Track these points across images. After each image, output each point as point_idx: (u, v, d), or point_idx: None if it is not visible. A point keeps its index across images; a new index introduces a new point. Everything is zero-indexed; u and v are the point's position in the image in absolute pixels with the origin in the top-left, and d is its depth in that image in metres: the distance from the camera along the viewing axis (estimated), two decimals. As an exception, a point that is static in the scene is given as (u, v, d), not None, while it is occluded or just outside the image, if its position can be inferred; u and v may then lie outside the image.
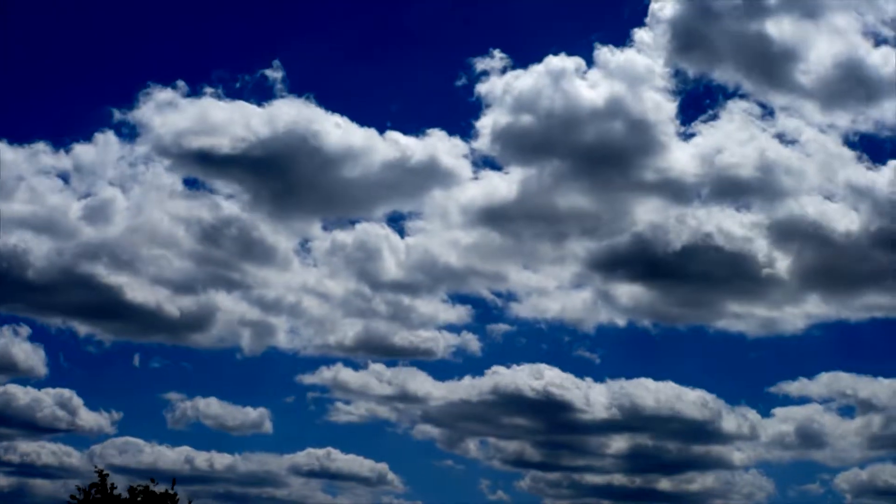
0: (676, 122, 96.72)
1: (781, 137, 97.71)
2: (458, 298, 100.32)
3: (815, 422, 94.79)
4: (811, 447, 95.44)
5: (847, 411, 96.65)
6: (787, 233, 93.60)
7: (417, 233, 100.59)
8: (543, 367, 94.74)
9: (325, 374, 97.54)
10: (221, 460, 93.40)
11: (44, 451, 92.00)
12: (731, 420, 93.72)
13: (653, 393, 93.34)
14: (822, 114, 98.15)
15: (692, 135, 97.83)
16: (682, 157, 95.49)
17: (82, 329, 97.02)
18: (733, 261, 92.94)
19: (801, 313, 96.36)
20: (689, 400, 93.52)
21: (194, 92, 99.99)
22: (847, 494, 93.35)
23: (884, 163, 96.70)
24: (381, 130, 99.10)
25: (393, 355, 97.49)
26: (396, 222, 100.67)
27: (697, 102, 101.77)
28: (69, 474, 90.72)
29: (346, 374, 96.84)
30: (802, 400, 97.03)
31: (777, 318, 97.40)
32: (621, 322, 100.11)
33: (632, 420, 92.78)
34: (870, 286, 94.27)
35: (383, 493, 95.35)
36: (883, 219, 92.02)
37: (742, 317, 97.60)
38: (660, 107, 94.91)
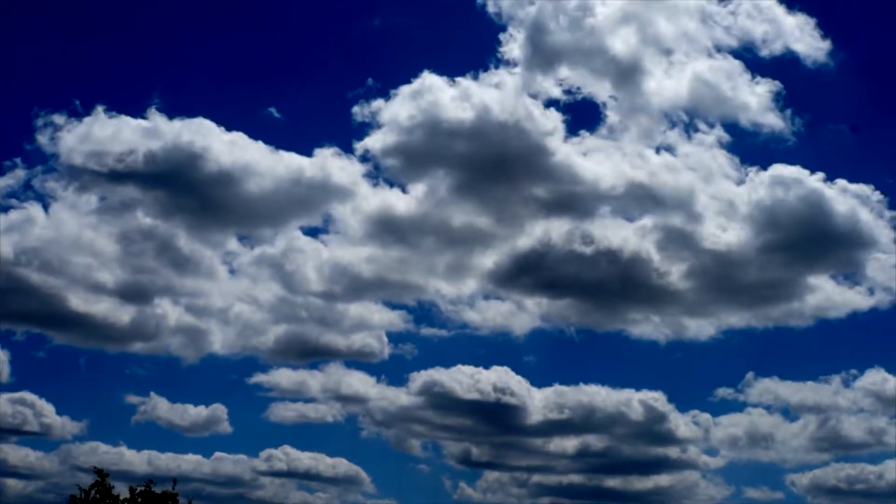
0: (565, 136, 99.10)
1: (669, 150, 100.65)
2: (388, 305, 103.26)
3: (759, 424, 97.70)
4: (761, 449, 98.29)
5: (786, 414, 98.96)
6: (680, 243, 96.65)
7: (330, 244, 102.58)
8: (481, 368, 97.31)
9: (266, 377, 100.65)
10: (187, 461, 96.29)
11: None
12: (679, 423, 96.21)
13: (591, 395, 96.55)
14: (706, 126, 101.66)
15: (583, 147, 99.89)
16: (576, 170, 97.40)
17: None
18: (633, 271, 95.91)
19: (703, 321, 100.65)
20: (636, 402, 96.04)
21: (89, 113, 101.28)
22: (807, 495, 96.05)
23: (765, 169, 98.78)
24: (278, 148, 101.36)
25: (328, 357, 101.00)
26: (308, 235, 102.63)
27: (584, 116, 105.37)
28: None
29: (287, 376, 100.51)
30: (740, 404, 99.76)
31: (685, 325, 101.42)
32: (543, 328, 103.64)
33: (578, 421, 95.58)
34: (759, 296, 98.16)
35: (352, 491, 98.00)
36: (769, 230, 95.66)
37: (641, 323, 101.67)
38: (547, 121, 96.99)
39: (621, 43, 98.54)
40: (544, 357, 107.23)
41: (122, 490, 42.21)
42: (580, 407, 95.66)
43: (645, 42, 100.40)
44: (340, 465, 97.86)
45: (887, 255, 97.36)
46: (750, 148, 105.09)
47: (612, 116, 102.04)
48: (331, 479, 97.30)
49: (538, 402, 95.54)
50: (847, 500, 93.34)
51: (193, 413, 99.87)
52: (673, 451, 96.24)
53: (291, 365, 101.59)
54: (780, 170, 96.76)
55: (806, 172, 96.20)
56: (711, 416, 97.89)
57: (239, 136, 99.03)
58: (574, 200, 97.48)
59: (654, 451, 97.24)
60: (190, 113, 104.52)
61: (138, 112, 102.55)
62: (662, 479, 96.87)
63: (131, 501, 42.23)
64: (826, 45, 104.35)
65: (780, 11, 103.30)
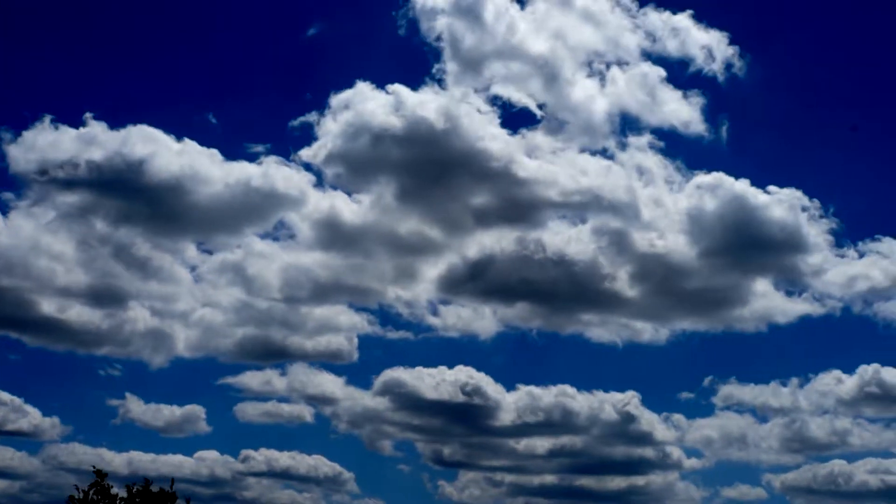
0: (505, 143, 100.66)
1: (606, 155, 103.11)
2: (354, 308, 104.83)
3: (730, 426, 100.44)
4: (735, 450, 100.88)
5: (756, 415, 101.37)
6: (624, 249, 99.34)
7: (287, 250, 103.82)
8: (447, 368, 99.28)
9: (235, 378, 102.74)
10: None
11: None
12: (654, 424, 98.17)
13: (562, 397, 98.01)
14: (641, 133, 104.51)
15: (521, 153, 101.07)
16: (518, 176, 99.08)
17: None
18: (581, 276, 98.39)
19: (656, 325, 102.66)
20: (608, 403, 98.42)
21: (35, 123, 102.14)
22: (785, 495, 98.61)
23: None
24: (227, 157, 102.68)
25: (296, 358, 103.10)
26: (265, 241, 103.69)
27: (519, 123, 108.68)
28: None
29: (256, 377, 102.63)
30: (708, 406, 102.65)
31: (638, 329, 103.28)
32: (506, 332, 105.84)
33: (552, 422, 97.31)
34: (705, 301, 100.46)
35: (337, 491, 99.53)
36: (707, 236, 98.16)
37: (597, 326, 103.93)
38: (484, 128, 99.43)
39: (549, 50, 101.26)
40: (511, 359, 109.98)
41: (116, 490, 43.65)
42: (553, 408, 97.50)
43: (572, 49, 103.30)
44: (323, 465, 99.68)
45: (824, 258, 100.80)
46: (684, 155, 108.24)
47: (547, 123, 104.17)
48: (313, 479, 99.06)
49: (509, 403, 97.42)
50: (824, 499, 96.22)
51: (168, 413, 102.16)
52: (648, 452, 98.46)
53: (259, 366, 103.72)
54: (712, 177, 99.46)
55: (737, 180, 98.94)
56: (685, 418, 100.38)
57: (187, 145, 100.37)
58: (517, 206, 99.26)
59: (628, 451, 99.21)
60: (133, 120, 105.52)
61: (79, 122, 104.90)
62: (639, 480, 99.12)
63: (129, 501, 43.37)
64: (739, 59, 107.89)
65: (693, 25, 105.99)
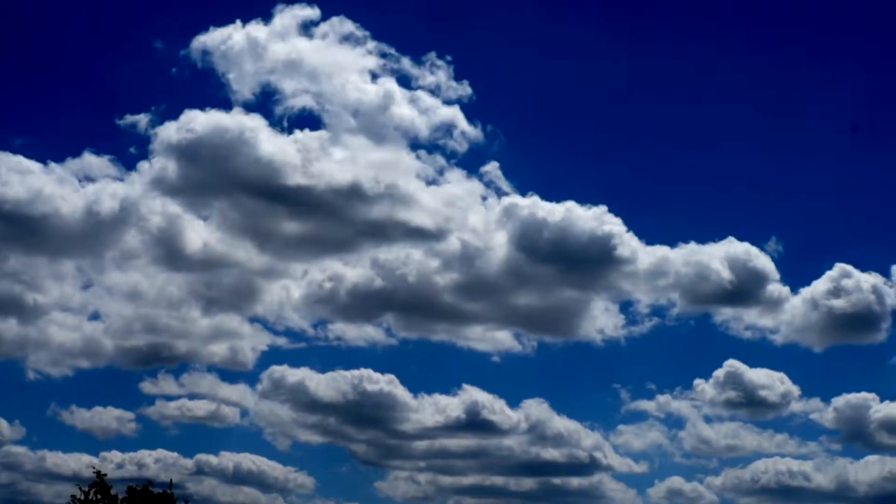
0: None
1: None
2: (249, 320, 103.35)
3: (645, 432, 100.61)
4: (655, 456, 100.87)
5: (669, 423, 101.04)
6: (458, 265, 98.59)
7: (153, 267, 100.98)
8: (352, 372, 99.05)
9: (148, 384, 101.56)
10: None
11: None
12: (570, 428, 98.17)
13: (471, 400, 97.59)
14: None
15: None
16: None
17: None
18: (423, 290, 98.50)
19: (505, 336, 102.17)
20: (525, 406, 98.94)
21: None
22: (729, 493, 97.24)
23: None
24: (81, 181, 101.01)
25: (201, 365, 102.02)
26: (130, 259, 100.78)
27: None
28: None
29: (169, 382, 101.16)
30: (617, 412, 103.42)
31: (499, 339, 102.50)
32: (391, 342, 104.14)
33: (468, 424, 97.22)
34: (545, 314, 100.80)
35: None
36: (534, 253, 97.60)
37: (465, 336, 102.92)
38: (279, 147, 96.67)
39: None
40: (412, 365, 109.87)
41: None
42: (466, 411, 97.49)
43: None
44: (277, 468, 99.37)
45: (642, 269, 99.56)
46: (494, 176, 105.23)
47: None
48: (259, 481, 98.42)
49: (414, 405, 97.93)
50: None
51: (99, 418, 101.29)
52: (572, 456, 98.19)
53: (174, 371, 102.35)
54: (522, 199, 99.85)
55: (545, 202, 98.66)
56: (599, 423, 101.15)
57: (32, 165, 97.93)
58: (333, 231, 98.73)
59: (552, 455, 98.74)
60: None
61: None
62: (573, 482, 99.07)
63: (129, 501, 43.45)
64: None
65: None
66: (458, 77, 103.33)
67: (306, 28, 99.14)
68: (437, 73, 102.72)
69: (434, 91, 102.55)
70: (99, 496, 43.47)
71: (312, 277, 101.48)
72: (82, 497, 43.36)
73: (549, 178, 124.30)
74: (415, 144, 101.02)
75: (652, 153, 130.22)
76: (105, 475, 43.30)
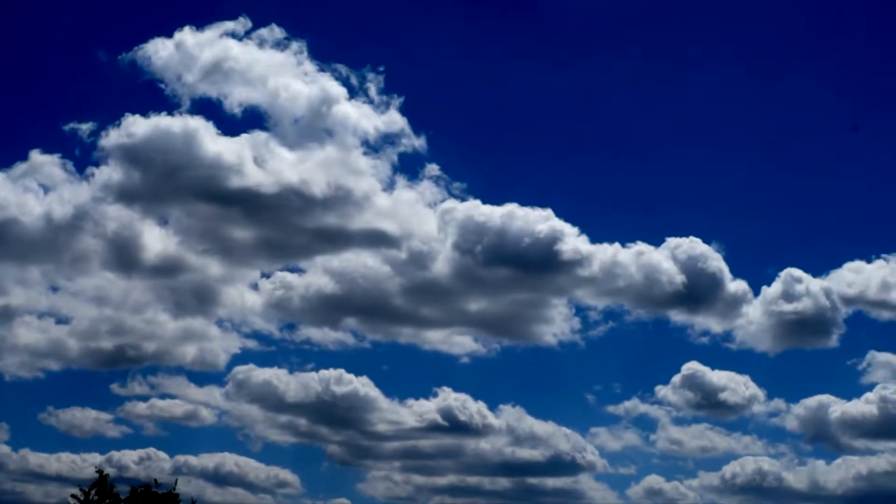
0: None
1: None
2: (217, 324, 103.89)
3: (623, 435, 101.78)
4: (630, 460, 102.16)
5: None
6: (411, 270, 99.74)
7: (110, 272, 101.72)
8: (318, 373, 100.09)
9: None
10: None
11: None
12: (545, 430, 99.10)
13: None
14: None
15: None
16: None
17: None
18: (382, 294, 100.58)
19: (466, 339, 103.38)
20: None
21: None
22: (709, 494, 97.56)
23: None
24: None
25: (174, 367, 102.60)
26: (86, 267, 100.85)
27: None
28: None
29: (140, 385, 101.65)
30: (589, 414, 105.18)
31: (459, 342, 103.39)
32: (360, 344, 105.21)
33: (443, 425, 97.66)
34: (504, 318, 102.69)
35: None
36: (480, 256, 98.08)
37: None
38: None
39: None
40: (382, 367, 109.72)
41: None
42: (440, 412, 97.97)
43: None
44: (260, 468, 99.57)
45: (593, 272, 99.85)
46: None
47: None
48: (241, 481, 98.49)
49: (388, 406, 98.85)
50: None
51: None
52: (550, 456, 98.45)
53: (144, 372, 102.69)
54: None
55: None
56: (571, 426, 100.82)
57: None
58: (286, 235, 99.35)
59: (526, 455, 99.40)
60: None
61: None
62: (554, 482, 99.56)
63: (132, 501, 42.37)
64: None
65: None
66: (391, 84, 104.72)
67: (243, 35, 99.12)
68: (374, 81, 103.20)
69: (370, 99, 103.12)
70: (99, 496, 42.32)
71: (274, 281, 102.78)
72: (83, 497, 42.18)
73: (493, 181, 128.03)
74: (363, 147, 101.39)
75: (595, 156, 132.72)
76: (108, 475, 42.15)
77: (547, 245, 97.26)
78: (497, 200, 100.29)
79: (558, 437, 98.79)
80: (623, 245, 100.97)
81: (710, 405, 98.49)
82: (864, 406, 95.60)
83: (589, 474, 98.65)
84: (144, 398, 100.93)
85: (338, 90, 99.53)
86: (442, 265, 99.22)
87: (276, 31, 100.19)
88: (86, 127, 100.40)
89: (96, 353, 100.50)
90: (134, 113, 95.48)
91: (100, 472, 42.25)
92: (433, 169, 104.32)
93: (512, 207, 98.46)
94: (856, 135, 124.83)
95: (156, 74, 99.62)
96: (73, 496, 42.09)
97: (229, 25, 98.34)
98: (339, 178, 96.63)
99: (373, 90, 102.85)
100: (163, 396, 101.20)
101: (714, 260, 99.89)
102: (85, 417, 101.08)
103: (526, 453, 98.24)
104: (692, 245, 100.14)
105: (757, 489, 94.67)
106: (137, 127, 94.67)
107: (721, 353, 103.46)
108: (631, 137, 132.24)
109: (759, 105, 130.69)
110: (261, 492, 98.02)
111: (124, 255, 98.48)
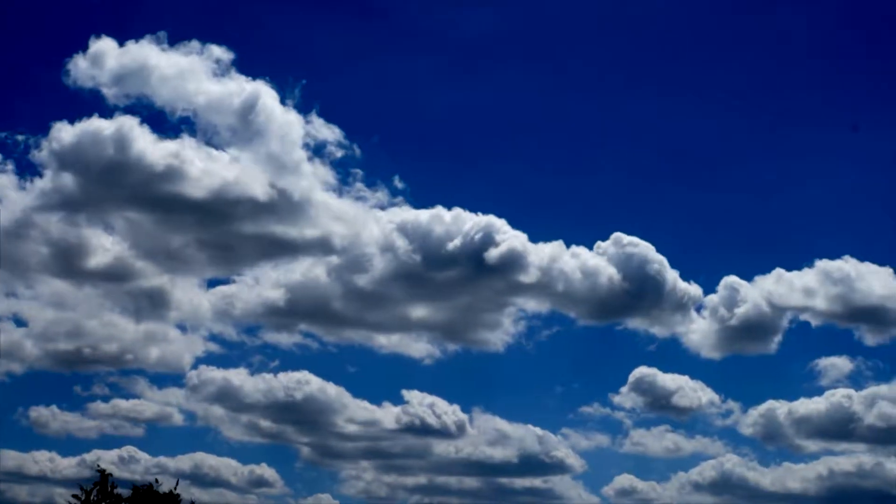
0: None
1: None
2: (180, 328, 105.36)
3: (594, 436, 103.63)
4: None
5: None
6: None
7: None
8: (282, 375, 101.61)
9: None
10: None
11: None
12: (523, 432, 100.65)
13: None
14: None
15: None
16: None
17: None
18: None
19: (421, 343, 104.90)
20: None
21: None
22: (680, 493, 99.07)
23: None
24: None
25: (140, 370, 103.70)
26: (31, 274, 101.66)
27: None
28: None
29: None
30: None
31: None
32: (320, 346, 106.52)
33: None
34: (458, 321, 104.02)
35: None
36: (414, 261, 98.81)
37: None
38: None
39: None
40: (346, 369, 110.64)
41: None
42: (408, 413, 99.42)
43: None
44: (238, 467, 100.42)
45: (537, 275, 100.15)
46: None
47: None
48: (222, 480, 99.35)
49: (355, 406, 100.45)
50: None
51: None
52: (523, 456, 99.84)
53: (113, 375, 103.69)
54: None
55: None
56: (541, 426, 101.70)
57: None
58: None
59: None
60: None
61: None
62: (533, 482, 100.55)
63: (133, 501, 42.37)
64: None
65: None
66: (319, 92, 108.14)
67: (172, 42, 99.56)
68: (298, 91, 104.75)
69: (301, 108, 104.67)
70: (100, 495, 42.25)
71: (219, 290, 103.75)
72: (83, 497, 42.06)
73: (435, 186, 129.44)
74: (310, 153, 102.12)
75: (535, 160, 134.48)
76: (110, 474, 42.05)
77: (489, 247, 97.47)
78: (437, 203, 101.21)
79: (528, 436, 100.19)
80: (566, 246, 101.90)
81: (666, 407, 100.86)
82: (812, 405, 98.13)
83: (563, 474, 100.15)
84: (107, 399, 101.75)
85: (270, 94, 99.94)
86: (386, 271, 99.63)
87: (196, 44, 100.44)
88: (21, 136, 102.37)
89: (61, 356, 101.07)
90: (71, 121, 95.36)
91: (101, 471, 42.12)
92: (374, 176, 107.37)
93: (456, 211, 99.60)
94: (785, 146, 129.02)
95: (89, 83, 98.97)
96: (75, 496, 41.99)
97: (160, 34, 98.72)
98: (277, 182, 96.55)
99: (300, 98, 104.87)
100: (128, 396, 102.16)
101: (656, 265, 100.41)
102: (58, 419, 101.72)
103: (498, 453, 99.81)
104: (634, 247, 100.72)
105: (725, 488, 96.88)
106: (66, 133, 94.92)
107: (669, 357, 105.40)
108: (569, 142, 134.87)
109: (695, 111, 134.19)
110: (240, 491, 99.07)
111: (66, 263, 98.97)
